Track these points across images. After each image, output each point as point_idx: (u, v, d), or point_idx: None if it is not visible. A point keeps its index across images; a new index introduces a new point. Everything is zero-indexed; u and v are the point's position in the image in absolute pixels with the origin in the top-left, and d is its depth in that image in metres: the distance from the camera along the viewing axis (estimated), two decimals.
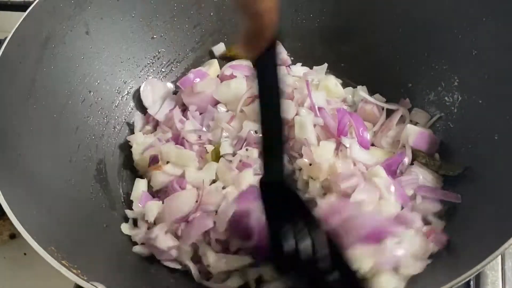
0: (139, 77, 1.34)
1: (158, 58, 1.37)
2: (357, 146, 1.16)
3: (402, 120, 1.27)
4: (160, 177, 1.17)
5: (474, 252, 0.82)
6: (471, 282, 1.08)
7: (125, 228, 1.12)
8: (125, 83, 1.31)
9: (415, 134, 1.18)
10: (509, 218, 0.85)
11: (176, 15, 1.35)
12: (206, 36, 1.40)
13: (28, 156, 1.00)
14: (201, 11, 1.36)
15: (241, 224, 0.99)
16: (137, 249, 1.08)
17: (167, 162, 1.19)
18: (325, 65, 1.37)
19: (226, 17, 1.39)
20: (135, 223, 1.15)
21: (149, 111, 1.31)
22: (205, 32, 1.39)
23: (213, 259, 1.03)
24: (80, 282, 0.80)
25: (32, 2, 1.09)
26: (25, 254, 1.20)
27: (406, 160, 1.16)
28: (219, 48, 1.42)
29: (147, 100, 1.33)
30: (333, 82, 1.32)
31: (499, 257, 1.12)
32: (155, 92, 1.34)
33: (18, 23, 1.06)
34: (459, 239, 0.97)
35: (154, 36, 1.34)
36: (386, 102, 1.30)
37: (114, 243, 1.08)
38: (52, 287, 1.04)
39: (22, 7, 1.10)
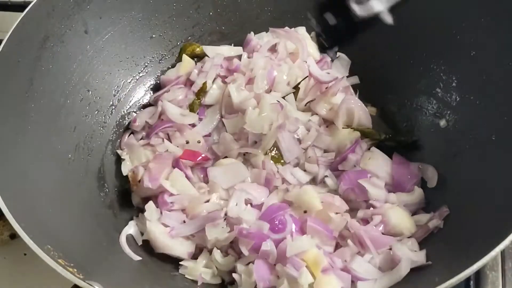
0: (139, 76, 1.35)
1: (157, 58, 1.37)
2: None
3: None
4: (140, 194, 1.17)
5: (471, 252, 0.82)
6: (471, 283, 1.07)
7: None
8: (124, 82, 1.31)
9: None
10: (505, 218, 0.85)
11: (175, 14, 1.35)
12: (205, 36, 1.40)
13: (26, 154, 1.00)
14: (200, 11, 1.37)
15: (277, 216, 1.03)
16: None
17: None
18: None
19: (225, 17, 1.39)
20: None
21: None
22: (204, 32, 1.40)
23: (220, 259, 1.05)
24: (76, 281, 0.80)
25: (31, 2, 1.10)
26: (25, 254, 1.20)
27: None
28: None
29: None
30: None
31: (499, 257, 1.11)
32: None
33: (17, 22, 1.06)
34: (456, 238, 0.97)
35: (153, 36, 1.35)
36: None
37: (111, 242, 1.08)
38: (52, 287, 1.05)
39: (21, 8, 1.10)
